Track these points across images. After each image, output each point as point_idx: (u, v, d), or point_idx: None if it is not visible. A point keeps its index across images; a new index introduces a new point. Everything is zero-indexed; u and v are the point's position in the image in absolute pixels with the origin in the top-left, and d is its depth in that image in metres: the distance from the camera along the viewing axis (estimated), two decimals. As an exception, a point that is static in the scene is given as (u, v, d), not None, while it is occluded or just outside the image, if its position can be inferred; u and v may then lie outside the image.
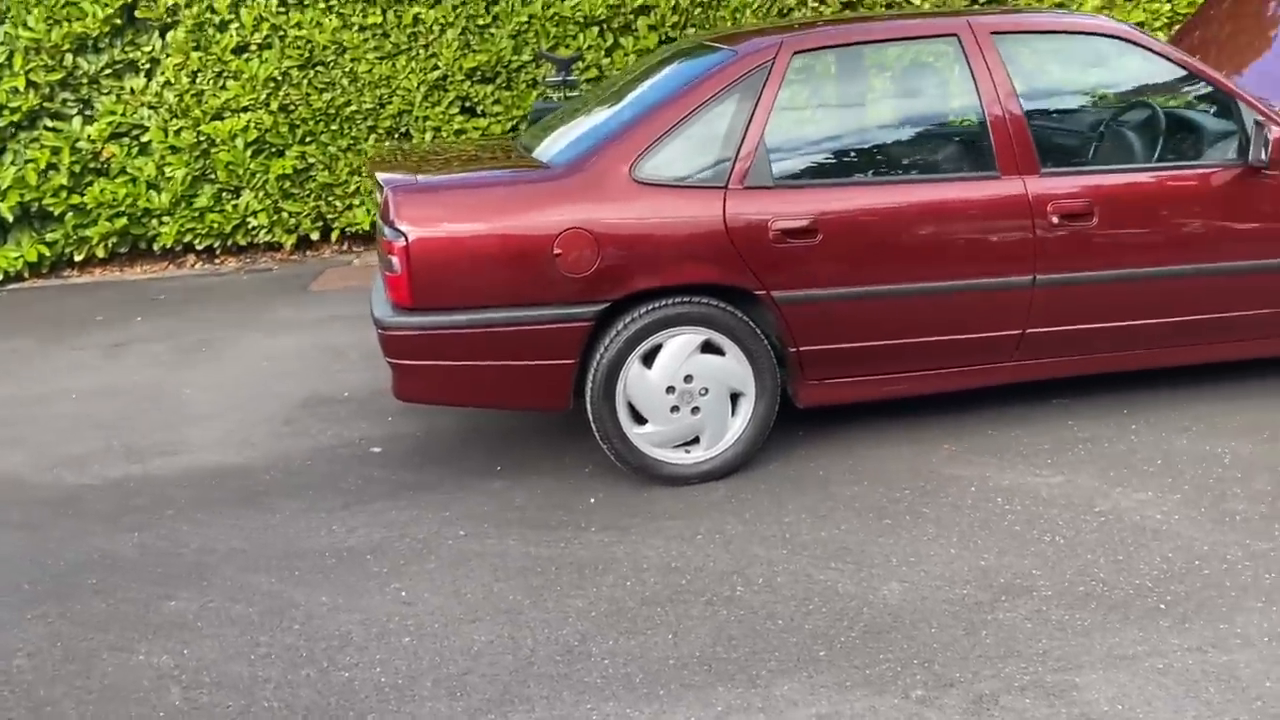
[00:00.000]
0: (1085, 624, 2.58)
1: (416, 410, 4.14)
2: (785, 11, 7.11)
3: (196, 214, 6.97)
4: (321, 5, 6.72)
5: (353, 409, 4.27)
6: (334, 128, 6.90)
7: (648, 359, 3.30)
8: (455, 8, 6.77)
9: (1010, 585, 2.76)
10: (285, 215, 7.03)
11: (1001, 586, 2.76)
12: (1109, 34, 3.53)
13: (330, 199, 7.04)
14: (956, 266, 3.31)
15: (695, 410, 3.33)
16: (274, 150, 6.92)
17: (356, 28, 6.76)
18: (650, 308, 3.24)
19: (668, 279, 3.22)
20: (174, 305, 6.07)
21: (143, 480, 3.70)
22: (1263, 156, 3.32)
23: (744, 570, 2.91)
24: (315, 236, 7.15)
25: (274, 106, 6.80)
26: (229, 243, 7.12)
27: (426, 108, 6.90)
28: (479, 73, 6.91)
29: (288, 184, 6.95)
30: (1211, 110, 3.60)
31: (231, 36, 6.73)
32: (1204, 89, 3.55)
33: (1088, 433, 3.62)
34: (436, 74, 6.84)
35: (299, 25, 6.73)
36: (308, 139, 6.92)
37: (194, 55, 6.74)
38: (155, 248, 7.12)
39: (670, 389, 3.30)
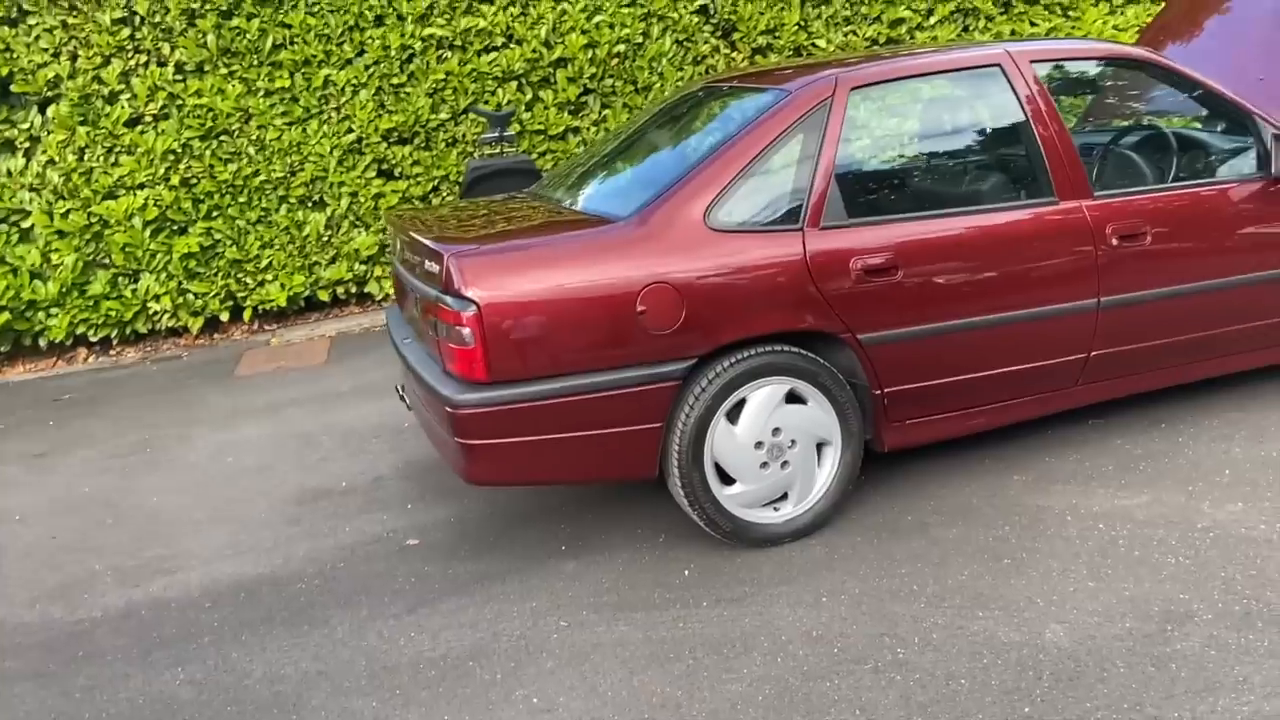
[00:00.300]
0: (1265, 645, 2.53)
1: (437, 494, 3.81)
2: (699, 60, 7.12)
3: (90, 302, 6.35)
4: (223, 71, 6.28)
5: (360, 500, 3.88)
6: (242, 200, 6.43)
7: (731, 415, 3.11)
8: (368, 68, 6.45)
9: (1168, 613, 2.69)
10: (191, 297, 6.49)
11: (1160, 615, 2.69)
12: (1133, 59, 3.61)
13: (240, 276, 6.54)
14: (1027, 293, 3.28)
15: (784, 465, 3.15)
16: (176, 228, 6.40)
17: (262, 93, 6.35)
18: (734, 360, 3.06)
19: (754, 328, 3.05)
20: (85, 405, 5.46)
21: (154, 606, 3.22)
22: (1283, 169, 3.44)
23: (893, 630, 2.73)
24: (225, 318, 6.62)
25: (174, 181, 6.29)
26: (127, 331, 6.50)
27: (342, 173, 6.53)
28: (396, 134, 6.60)
29: (192, 263, 6.42)
30: (1230, 128, 3.72)
31: (123, 108, 6.20)
32: (1222, 108, 3.66)
33: (1140, 449, 3.64)
34: (351, 137, 6.49)
35: (199, 93, 6.26)
36: (213, 214, 6.42)
37: (80, 130, 6.15)
38: (41, 343, 6.42)
39: (759, 444, 3.12)
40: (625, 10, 6.85)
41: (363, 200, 6.60)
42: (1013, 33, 7.81)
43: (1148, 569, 2.90)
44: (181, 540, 3.66)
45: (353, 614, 3.07)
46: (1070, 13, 8.00)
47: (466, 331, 2.88)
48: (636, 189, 3.25)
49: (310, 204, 6.58)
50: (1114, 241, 3.33)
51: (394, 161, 6.62)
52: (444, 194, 6.78)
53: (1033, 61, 3.41)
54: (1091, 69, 3.92)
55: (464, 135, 6.69)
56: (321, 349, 6.15)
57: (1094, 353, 3.41)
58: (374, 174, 6.61)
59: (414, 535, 3.55)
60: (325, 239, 6.60)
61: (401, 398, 3.81)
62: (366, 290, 6.81)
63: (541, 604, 3.03)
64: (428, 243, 3.09)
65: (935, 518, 3.30)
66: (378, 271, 6.78)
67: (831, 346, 3.18)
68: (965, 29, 7.70)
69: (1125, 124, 4.20)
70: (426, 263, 3.09)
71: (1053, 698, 2.41)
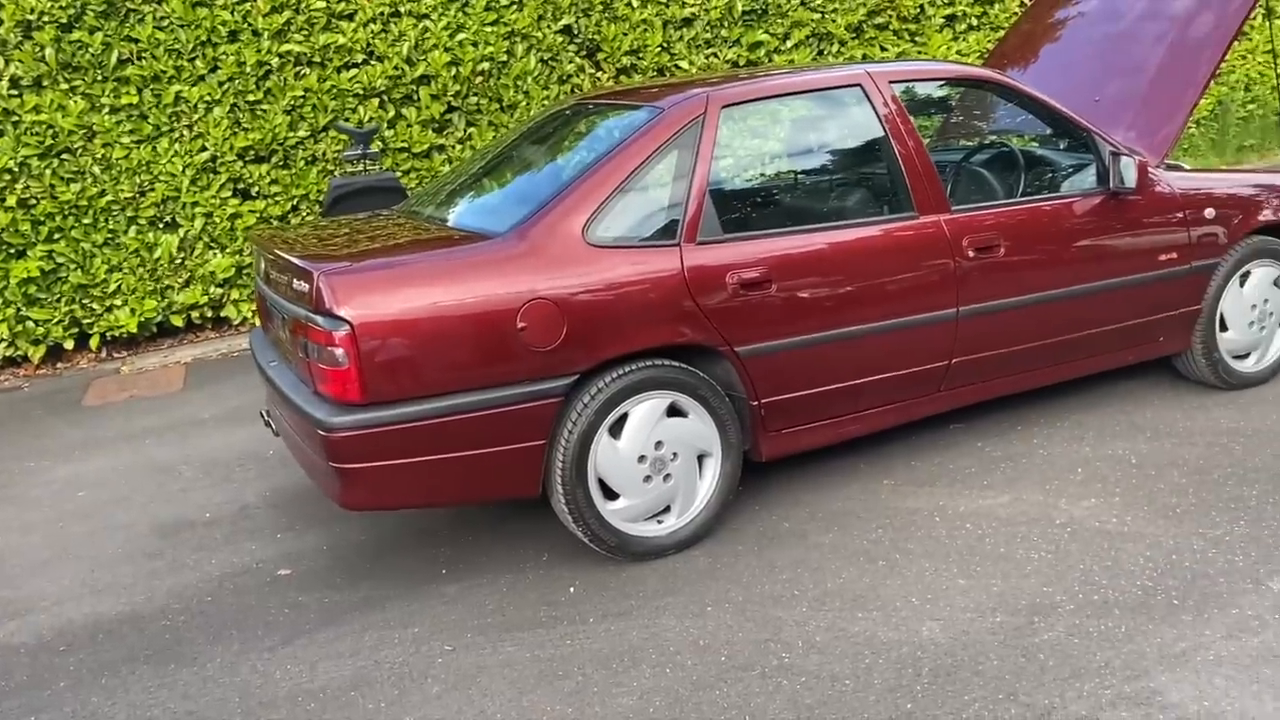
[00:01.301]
0: (1123, 631, 2.68)
1: (308, 521, 3.69)
2: (564, 79, 7.15)
3: (-83, 332, 5.91)
4: (64, 86, 5.96)
5: (226, 531, 3.72)
6: (87, 221, 6.11)
7: (614, 430, 3.12)
8: (222, 84, 6.23)
9: (1034, 606, 2.82)
10: (31, 324, 6.11)
11: (1027, 608, 2.81)
12: (984, 80, 3.80)
13: (86, 301, 6.20)
14: (892, 304, 3.40)
15: (667, 478, 3.18)
16: (13, 251, 6.02)
17: (107, 110, 6.06)
18: (616, 375, 3.07)
19: (635, 343, 3.06)
20: (-86, 441, 5.07)
21: (1, 652, 3.00)
22: (1123, 184, 3.67)
23: (777, 635, 2.78)
24: (69, 345, 6.26)
25: (11, 202, 5.93)
26: (-41, 362, 6.08)
27: (195, 192, 6.29)
28: (252, 152, 6.39)
29: (33, 288, 6.06)
30: (1071, 145, 3.95)
31: (-48, 124, 5.80)
32: (1064, 126, 3.88)
33: (1000, 451, 3.81)
34: (204, 155, 6.25)
35: (37, 109, 5.92)
36: (55, 236, 6.07)
37: (-97, 148, 5.74)
38: None
39: (642, 458, 3.13)
40: (489, 29, 6.82)
41: (218, 221, 6.37)
42: (865, 57, 8.12)
43: (1013, 565, 3.04)
44: (30, 581, 3.44)
45: (224, 649, 2.93)
46: (917, 38, 8.37)
47: (339, 352, 2.81)
48: (512, 205, 3.24)
49: (162, 225, 6.30)
50: (970, 254, 3.49)
51: (251, 180, 6.40)
52: (304, 213, 6.59)
53: (891, 82, 3.55)
54: (945, 90, 4.12)
55: (324, 153, 6.53)
56: (177, 376, 5.88)
57: (955, 360, 3.56)
58: (230, 193, 6.38)
59: (286, 565, 3.42)
60: (178, 261, 6.33)
61: (267, 423, 3.68)
62: (223, 315, 6.55)
63: (424, 629, 2.96)
64: (296, 261, 2.99)
65: (812, 524, 3.38)
66: (235, 295, 6.54)
67: (710, 359, 3.23)
68: (820, 53, 7.96)
69: (976, 142, 4.41)
70: (295, 282, 2.99)
71: (933, 692, 2.49)
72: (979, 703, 2.44)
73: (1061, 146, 4.02)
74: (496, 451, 2.96)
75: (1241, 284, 4.07)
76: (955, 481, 3.60)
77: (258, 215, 6.43)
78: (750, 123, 3.64)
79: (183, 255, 6.34)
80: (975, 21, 8.61)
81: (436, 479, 2.95)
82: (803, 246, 3.29)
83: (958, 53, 8.51)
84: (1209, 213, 3.91)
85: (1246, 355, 4.18)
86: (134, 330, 6.26)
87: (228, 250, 6.43)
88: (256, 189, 6.44)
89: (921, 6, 8.29)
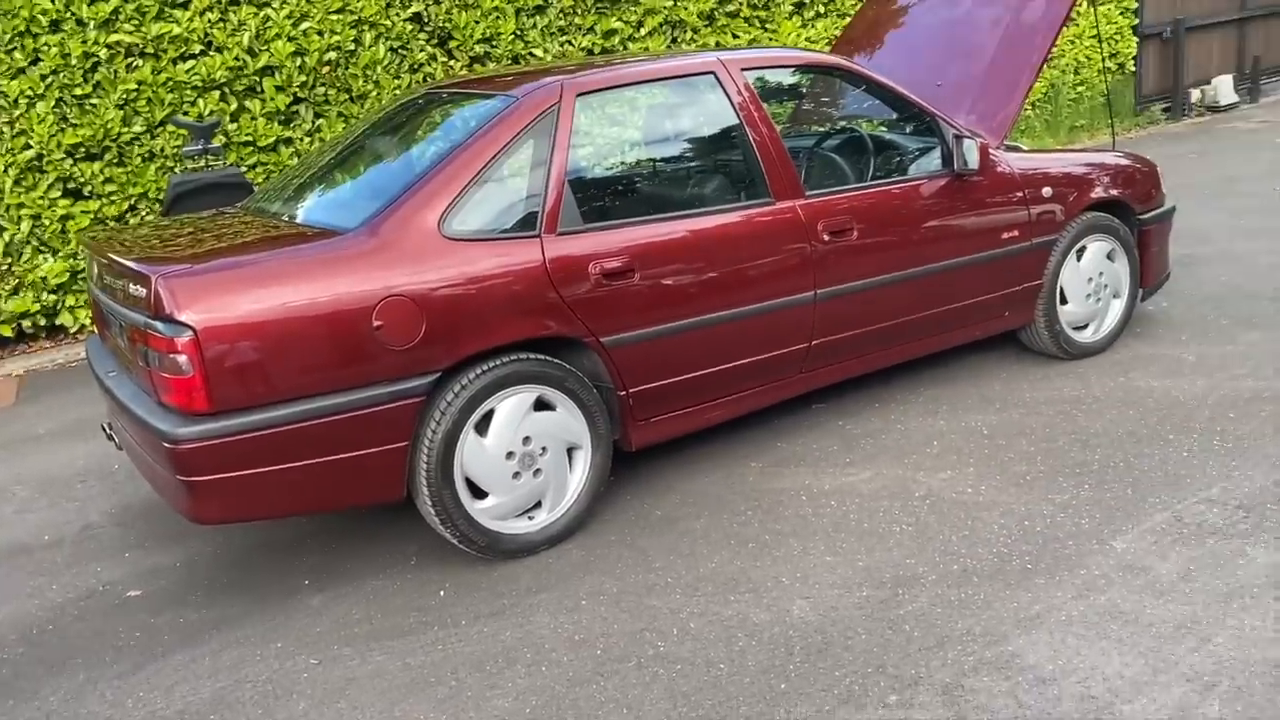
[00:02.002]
0: (982, 597, 2.78)
1: (158, 538, 3.51)
2: (415, 68, 6.99)
3: None
4: None
5: (68, 553, 3.50)
6: (-103, 226, 5.65)
7: (480, 427, 3.06)
8: (45, 78, 5.85)
9: (898, 578, 2.90)
10: None
11: (892, 581, 2.89)
12: (834, 67, 3.87)
13: (-100, 313, 5.75)
14: (753, 289, 3.43)
15: (537, 473, 3.14)
16: None
17: (-84, 105, 5.61)
18: (480, 371, 3.01)
19: (498, 338, 3.01)
20: None
21: None
22: (968, 165, 3.80)
23: (652, 625, 2.78)
24: (-117, 361, 5.80)
25: None
26: None
27: (20, 193, 5.90)
28: (83, 149, 6.02)
29: None
30: (916, 129, 4.07)
31: None
32: (909, 111, 3.99)
33: (860, 429, 3.91)
34: (29, 154, 5.87)
35: None
36: None
37: None
38: None
39: (510, 454, 3.08)
40: (334, 17, 6.60)
41: (47, 223, 5.99)
42: (718, 44, 8.20)
43: (877, 539, 3.12)
44: None
45: (68, 680, 2.76)
46: (768, 25, 8.51)
47: (183, 359, 2.66)
48: (365, 199, 3.13)
49: (-17, 229, 5.88)
50: (825, 237, 3.55)
51: (82, 179, 6.04)
52: (143, 213, 6.26)
53: (743, 69, 3.58)
54: (797, 76, 4.18)
55: (163, 149, 6.21)
56: (8, 390, 5.51)
57: (815, 341, 3.62)
58: (59, 194, 6.01)
59: (135, 586, 3.24)
60: (4, 267, 5.92)
61: (110, 436, 3.48)
62: (58, 322, 6.17)
63: (287, 643, 2.84)
64: (131, 264, 2.82)
65: (683, 510, 3.39)
66: (70, 301, 6.16)
67: (576, 351, 3.20)
68: (674, 40, 8.00)
69: (827, 127, 4.50)
70: (131, 286, 2.82)
71: (805, 671, 2.53)
72: (850, 678, 2.49)
73: (908, 131, 4.13)
74: (357, 456, 2.87)
75: (1078, 259, 4.27)
76: (820, 460, 3.67)
77: (92, 216, 6.07)
78: (607, 111, 3.62)
79: (9, 261, 5.94)
80: (822, 8, 8.80)
81: (294, 488, 2.83)
82: (664, 235, 3.29)
83: (807, 39, 8.69)
84: (1046, 191, 4.09)
85: (1085, 326, 4.39)
86: (-45, 342, 5.84)
87: (60, 254, 6.05)
88: (89, 188, 6.08)
89: (771, -6, 8.42)
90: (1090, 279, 4.32)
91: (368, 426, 2.86)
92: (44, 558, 3.47)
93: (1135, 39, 10.75)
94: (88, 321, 6.19)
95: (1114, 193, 4.31)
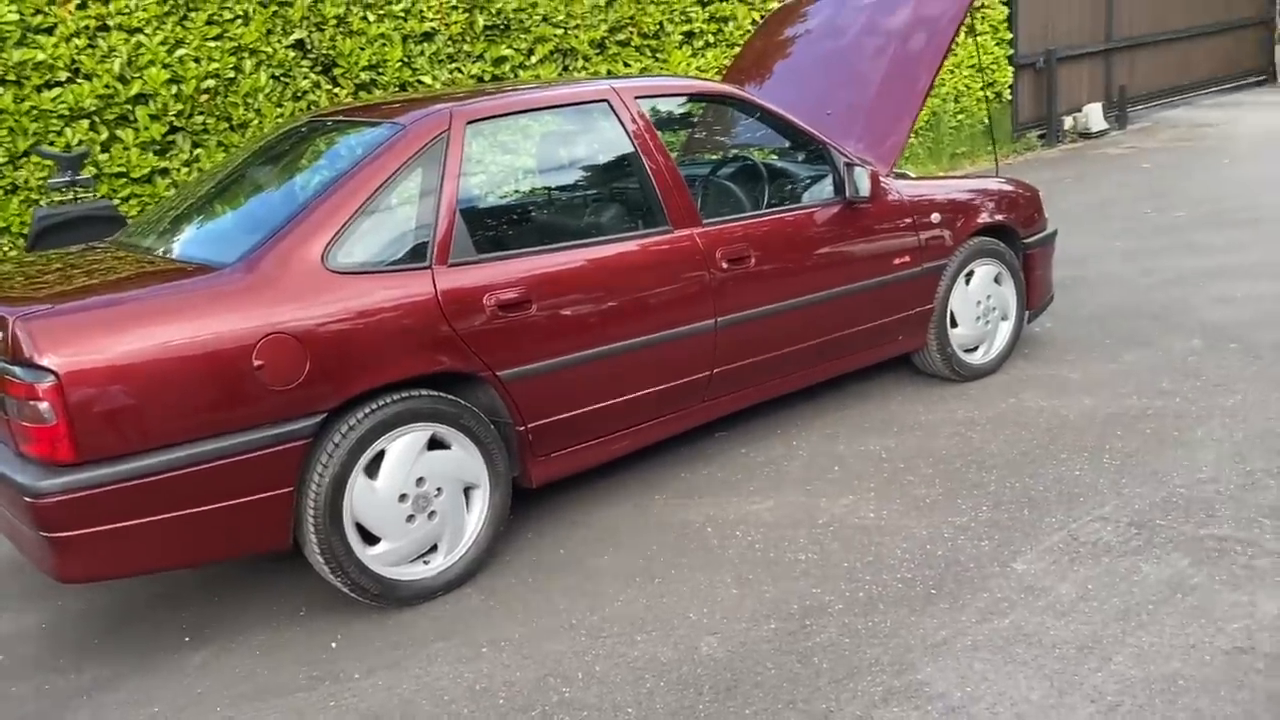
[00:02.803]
0: (888, 625, 2.76)
1: (22, 597, 3.29)
2: (299, 95, 6.79)
3: None
4: None
5: (-80, 618, 3.23)
6: None
7: (370, 469, 2.92)
8: (-106, 105, 5.48)
9: (805, 609, 2.86)
10: None
11: (799, 612, 2.85)
12: (727, 95, 3.87)
13: None
14: (652, 319, 3.39)
15: (432, 515, 3.02)
16: None
17: None
18: (368, 410, 2.88)
19: (387, 375, 2.89)
20: None
21: None
22: (860, 192, 3.83)
23: (556, 670, 2.68)
24: None
25: None
26: None
27: None
28: (-62, 181, 5.65)
29: None
30: (808, 157, 4.09)
31: None
32: (801, 139, 4.01)
33: (762, 456, 3.89)
34: (-125, 187, 5.47)
35: None
36: None
37: None
38: None
39: (403, 497, 2.95)
40: (212, 44, 6.37)
41: (-101, 260, 5.58)
42: (609, 72, 8.20)
43: (783, 569, 3.08)
44: None
45: (-83, 762, 2.52)
46: (658, 54, 8.55)
47: (44, 406, 2.47)
48: (242, 232, 2.98)
49: None
50: (724, 265, 3.53)
51: (-62, 213, 5.66)
52: (5, 248, 5.90)
53: (637, 97, 3.54)
54: (689, 105, 4.17)
55: (26, 180, 5.87)
56: None
57: (716, 369, 3.59)
58: (-88, 229, 5.62)
59: (-4, 651, 3.00)
60: None
61: (-34, 488, 3.22)
62: (-88, 365, 5.75)
63: (165, 708, 2.66)
64: (-16, 306, 2.62)
65: (586, 547, 3.31)
66: (-74, 342, 5.75)
67: (471, 386, 3.10)
68: (565, 68, 7.97)
69: (720, 156, 4.50)
70: (-22, 329, 2.61)
71: (714, 711, 2.47)
72: (761, 715, 2.44)
73: (800, 159, 4.16)
74: (239, 504, 2.71)
75: (967, 283, 4.35)
76: (723, 489, 3.63)
77: (-51, 252, 5.69)
78: (499, 139, 3.54)
79: None
80: (712, 39, 8.89)
81: (170, 540, 2.66)
82: (561, 264, 3.22)
83: (697, 69, 8.76)
84: (935, 217, 4.16)
85: (975, 348, 4.47)
86: None
87: (-87, 293, 5.65)
88: (-55, 223, 5.70)
89: (661, 24, 8.47)
90: (979, 302, 4.40)
91: (249, 472, 2.70)
92: (-109, 625, 3.19)
93: (1011, 68, 11.15)
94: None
95: (999, 218, 4.41)
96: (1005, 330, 4.55)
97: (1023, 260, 4.55)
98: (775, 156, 4.37)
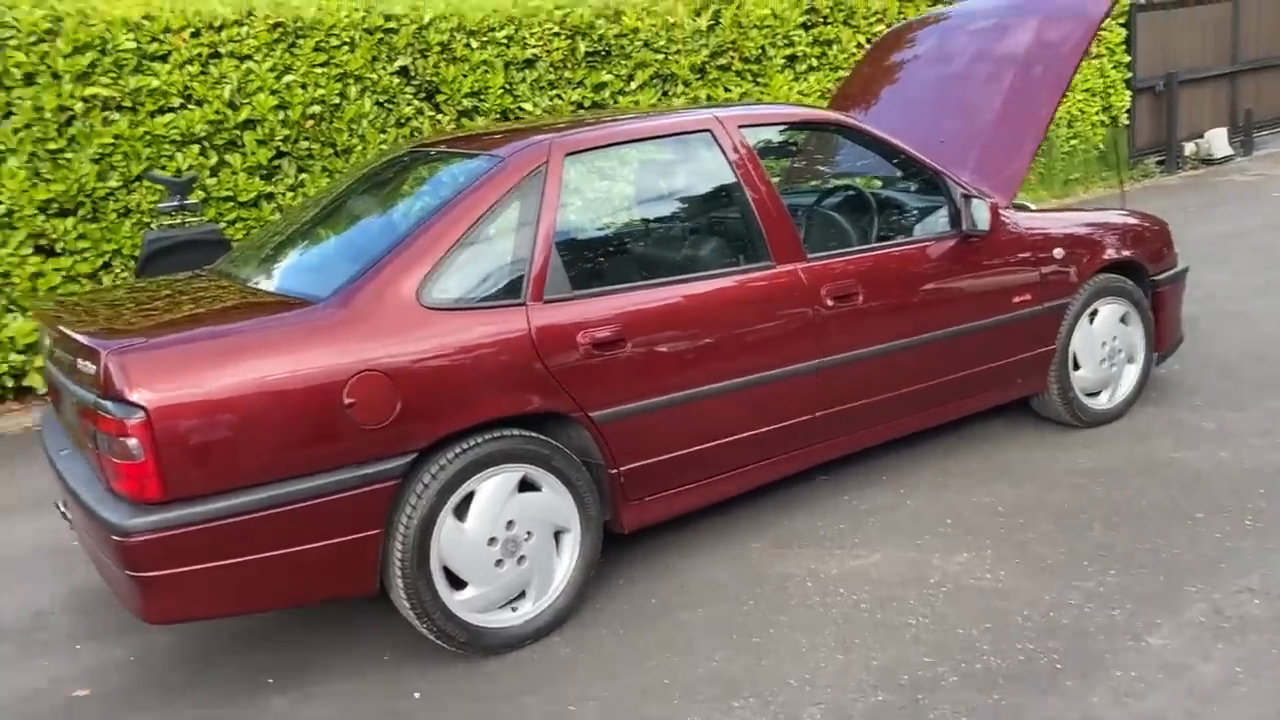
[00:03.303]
0: (1012, 703, 2.53)
1: (112, 629, 3.25)
2: (402, 122, 6.83)
3: None
4: None
5: (15, 644, 3.23)
6: None
7: (459, 511, 2.82)
8: (17, 131, 5.65)
9: (916, 681, 2.65)
10: None
11: (910, 684, 2.64)
12: (835, 123, 3.70)
13: None
14: (753, 358, 3.22)
15: (521, 560, 2.90)
16: None
17: (-119, 159, 5.40)
18: (459, 450, 2.78)
19: (480, 414, 2.78)
20: None
21: None
22: (978, 226, 3.61)
23: (648, 735, 2.52)
24: None
25: None
26: None
27: (-12, 250, 5.66)
28: (56, 205, 5.80)
29: None
30: (920, 188, 3.89)
31: None
32: (914, 169, 3.81)
33: (867, 505, 3.68)
34: (-1, 210, 5.64)
35: None
36: None
37: None
38: None
39: (492, 540, 2.84)
40: (319, 70, 6.44)
41: (17, 281, 5.75)
42: (709, 97, 8.08)
43: (891, 633, 2.87)
44: None
45: (1, 800, 2.48)
46: (759, 79, 8.39)
47: (133, 443, 2.42)
48: (338, 265, 2.92)
49: (-52, 287, 5.65)
50: (829, 302, 3.35)
51: (55, 236, 5.81)
52: (117, 270, 6.04)
53: (741, 126, 3.40)
54: (794, 133, 4.00)
55: (139, 204, 6.00)
56: (-30, 456, 5.24)
57: (820, 412, 3.41)
58: (30, 250, 5.77)
59: (84, 684, 2.97)
60: (-30, 327, 5.69)
61: (64, 515, 3.23)
62: (26, 384, 5.91)
63: (248, 754, 2.58)
64: (80, 338, 2.60)
65: (680, 598, 3.15)
66: (39, 361, 5.90)
67: (563, 426, 2.97)
68: (665, 94, 7.88)
69: (824, 185, 4.32)
70: (80, 362, 2.59)
71: (819, 792, 2.28)
72: (869, 801, 2.24)
73: (911, 189, 3.95)
74: (325, 546, 2.62)
75: (1091, 322, 4.08)
76: (825, 540, 3.44)
77: (63, 274, 5.84)
78: (597, 171, 3.42)
79: (-25, 320, 5.70)
80: (815, 62, 8.71)
81: (255, 583, 2.58)
82: (658, 301, 3.08)
83: (799, 93, 8.58)
84: (1058, 253, 3.91)
85: (1099, 392, 4.19)
86: (-85, 406, 5.58)
87: (29, 312, 5.81)
88: (62, 245, 5.85)
89: (763, 48, 8.32)
90: (1104, 343, 4.12)
91: (338, 513, 2.62)
92: (-13, 650, 3.20)
93: (1128, 92, 10.70)
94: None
95: (1126, 253, 4.13)
96: (1131, 373, 4.25)
97: (1151, 298, 4.26)
98: (883, 186, 4.17)
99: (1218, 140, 11.12)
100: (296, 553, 2.59)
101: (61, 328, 2.75)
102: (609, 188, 3.51)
